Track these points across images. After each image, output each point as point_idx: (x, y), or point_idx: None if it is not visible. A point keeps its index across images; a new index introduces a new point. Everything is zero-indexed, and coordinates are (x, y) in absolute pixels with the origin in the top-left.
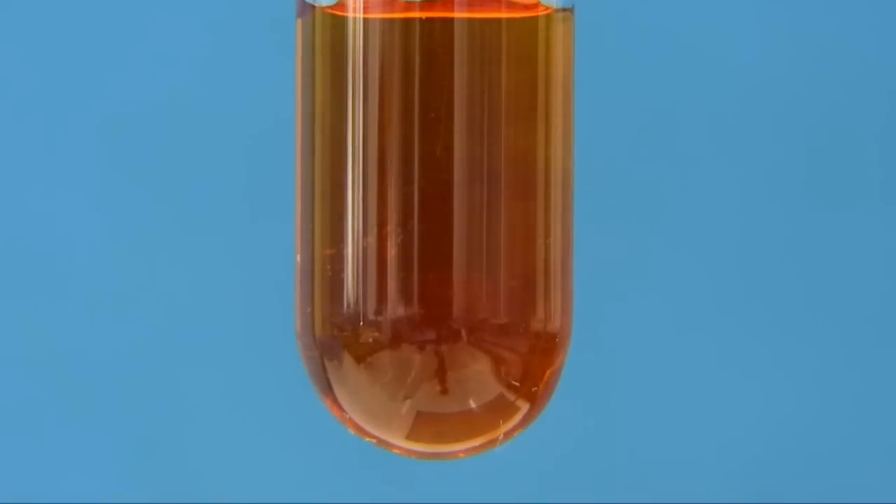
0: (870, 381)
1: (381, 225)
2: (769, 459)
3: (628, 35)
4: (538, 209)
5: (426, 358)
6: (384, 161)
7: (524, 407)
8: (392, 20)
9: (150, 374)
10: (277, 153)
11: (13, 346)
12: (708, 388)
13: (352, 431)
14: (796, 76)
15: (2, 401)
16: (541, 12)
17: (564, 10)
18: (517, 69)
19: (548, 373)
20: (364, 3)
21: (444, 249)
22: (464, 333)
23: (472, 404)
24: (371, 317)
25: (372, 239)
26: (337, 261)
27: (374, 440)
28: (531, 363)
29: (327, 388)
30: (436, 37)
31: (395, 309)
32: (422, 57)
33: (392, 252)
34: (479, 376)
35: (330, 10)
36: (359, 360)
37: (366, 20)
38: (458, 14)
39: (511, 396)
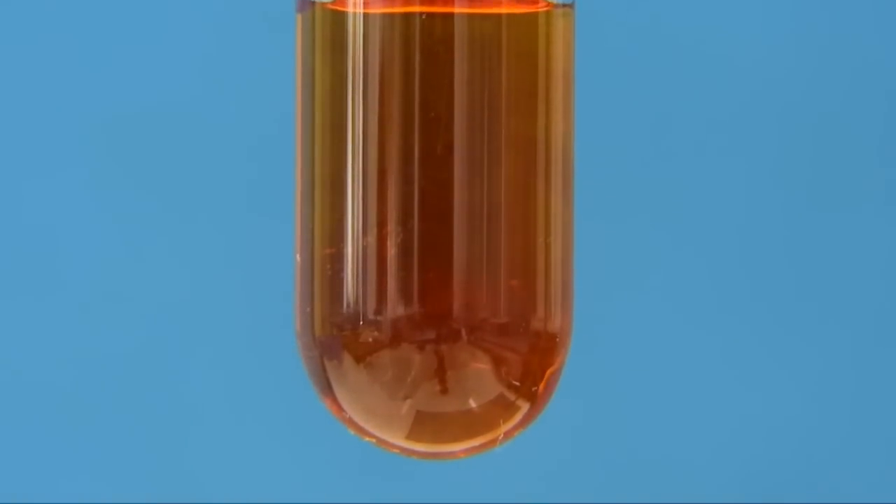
0: (871, 381)
1: (381, 224)
2: (769, 459)
3: (628, 32)
4: (539, 208)
5: (426, 357)
6: (384, 159)
7: (524, 407)
8: (392, 16)
9: (149, 373)
10: (277, 152)
11: (13, 345)
12: (708, 387)
13: (351, 431)
14: (799, 71)
15: (2, 401)
16: (541, 8)
17: (565, 5)
18: (517, 65)
19: (548, 372)
20: None
21: (444, 249)
22: (464, 333)
23: (472, 404)
24: (371, 316)
25: (372, 238)
26: (337, 260)
27: (374, 440)
28: (531, 363)
29: (327, 388)
30: (436, 32)
31: (394, 308)
32: (422, 53)
33: (392, 251)
34: (479, 376)
35: (330, 6)
36: (358, 359)
37: (366, 15)
38: (459, 9)
39: (511, 396)
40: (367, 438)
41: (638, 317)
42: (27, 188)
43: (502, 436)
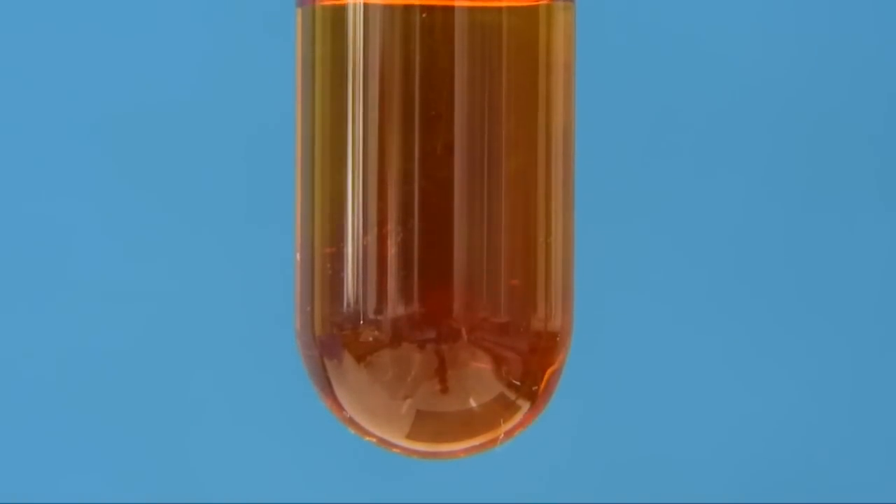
0: (870, 381)
1: (381, 223)
2: (770, 459)
3: (629, 31)
4: (539, 208)
5: (426, 357)
6: (384, 158)
7: (525, 406)
8: (392, 9)
9: (149, 373)
10: (277, 151)
11: (12, 345)
12: (708, 387)
13: (352, 431)
14: (800, 68)
15: (1, 400)
16: (542, 1)
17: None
18: (518, 60)
19: (548, 372)
20: None
21: (445, 248)
22: (464, 332)
23: (473, 403)
24: (371, 316)
25: (372, 237)
26: (337, 259)
27: (375, 439)
28: (532, 362)
29: (327, 388)
30: (436, 25)
31: (395, 308)
32: (422, 49)
33: (392, 251)
34: (479, 375)
35: (330, 1)
36: (359, 359)
37: (366, 8)
38: (459, 3)
39: (511, 395)
40: (368, 438)
41: (638, 316)
42: (27, 188)
43: (503, 435)
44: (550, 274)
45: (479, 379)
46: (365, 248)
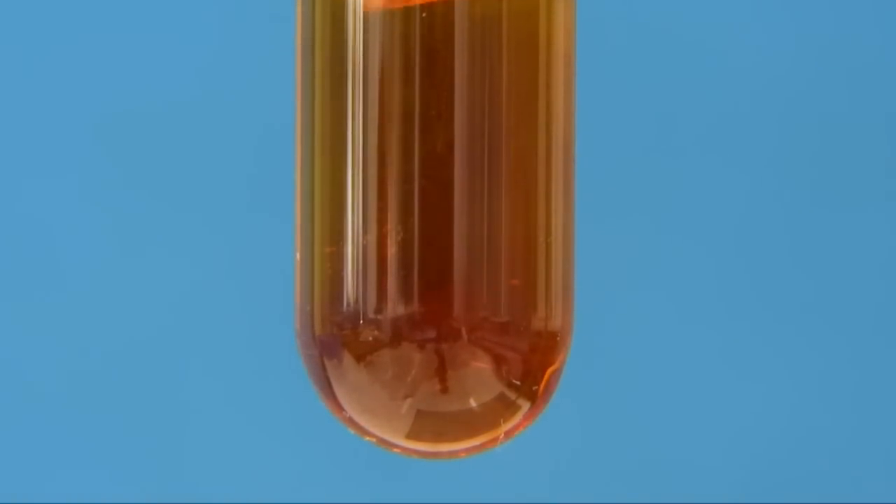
0: (874, 382)
1: (381, 223)
2: (771, 459)
3: (630, 27)
4: (539, 207)
5: (426, 357)
6: (384, 157)
7: (525, 406)
8: (392, 6)
9: (148, 372)
10: (277, 150)
11: (11, 345)
12: (710, 387)
13: (351, 430)
14: (803, 66)
15: (1, 400)
16: None
17: None
18: (518, 57)
19: (549, 372)
20: None
21: (445, 248)
22: (464, 332)
23: (473, 403)
24: (371, 315)
25: (372, 237)
26: (336, 259)
27: (374, 439)
28: (532, 362)
29: (327, 387)
30: (436, 23)
31: (395, 307)
32: (422, 46)
33: (392, 250)
34: (479, 375)
35: None
36: (359, 358)
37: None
38: None
39: (512, 395)
40: (368, 438)
41: (639, 316)
42: (27, 187)
43: (503, 435)
44: (551, 273)
45: (480, 379)
46: (365, 247)
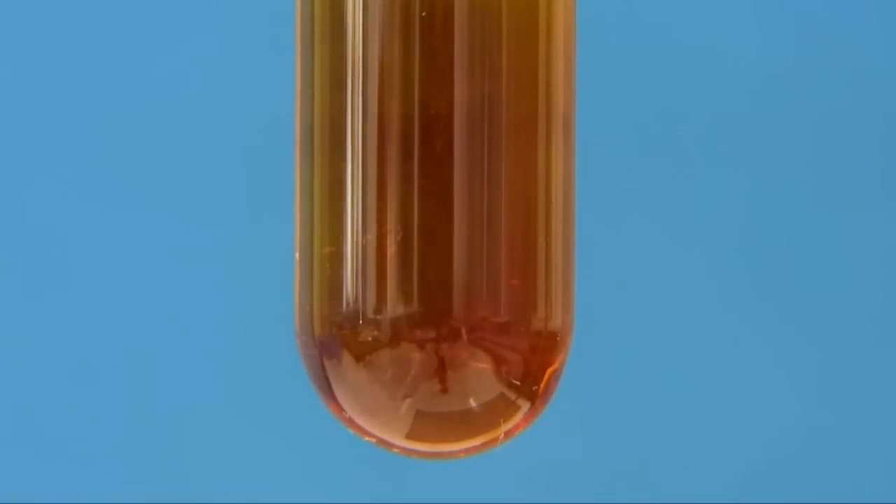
0: (874, 382)
1: (381, 223)
2: (772, 460)
3: (630, 26)
4: (539, 207)
5: (426, 357)
6: (383, 157)
7: (525, 406)
8: (392, 4)
9: (147, 372)
10: (276, 149)
11: (11, 345)
12: (710, 387)
13: (351, 431)
14: (804, 65)
15: (0, 400)
16: None
17: None
18: (518, 54)
19: (548, 372)
20: None
21: (444, 247)
22: (464, 332)
23: (473, 403)
24: (370, 315)
25: (371, 237)
26: (336, 259)
27: (374, 439)
28: (532, 362)
29: (326, 388)
30: (436, 21)
31: (394, 307)
32: (421, 45)
33: (391, 250)
34: (479, 375)
35: None
36: (358, 358)
37: (364, 4)
38: None
39: (512, 395)
40: (367, 438)
41: (639, 316)
42: (25, 186)
43: (503, 435)
44: (551, 273)
45: (479, 379)
46: (364, 247)
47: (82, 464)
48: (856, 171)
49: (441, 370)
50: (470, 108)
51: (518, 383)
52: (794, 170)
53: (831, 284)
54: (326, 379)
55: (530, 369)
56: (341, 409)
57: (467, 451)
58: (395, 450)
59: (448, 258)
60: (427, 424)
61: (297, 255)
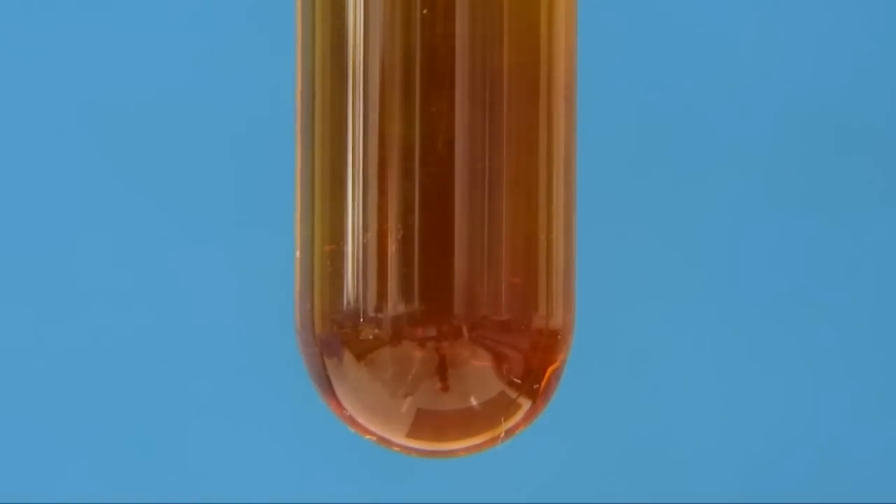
0: (875, 382)
1: (381, 221)
2: (773, 460)
3: (631, 26)
4: (540, 205)
5: (427, 355)
6: (384, 154)
7: (526, 405)
8: (392, 1)
9: (147, 372)
10: (277, 147)
11: (10, 344)
12: (712, 386)
13: (352, 429)
14: (802, 73)
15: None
16: None
17: None
18: (519, 52)
19: (550, 370)
20: None
21: (445, 246)
22: (465, 330)
23: (474, 402)
24: (371, 313)
25: (372, 235)
26: (337, 257)
27: (375, 438)
28: (533, 360)
29: (327, 386)
30: (437, 19)
31: (395, 306)
32: (422, 41)
33: (392, 248)
34: (480, 374)
35: None
36: (359, 357)
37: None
38: None
39: (513, 394)
40: (368, 436)
41: (640, 315)
42: (24, 186)
43: (503, 434)
44: (552, 271)
45: (480, 377)
46: (365, 245)
47: (82, 463)
48: (857, 171)
49: (442, 368)
50: (471, 105)
51: (519, 382)
52: (799, 173)
53: (832, 284)
54: (327, 377)
55: (531, 368)
56: (342, 408)
57: (468, 449)
58: (395, 448)
59: (449, 256)
60: (428, 423)
61: (297, 253)
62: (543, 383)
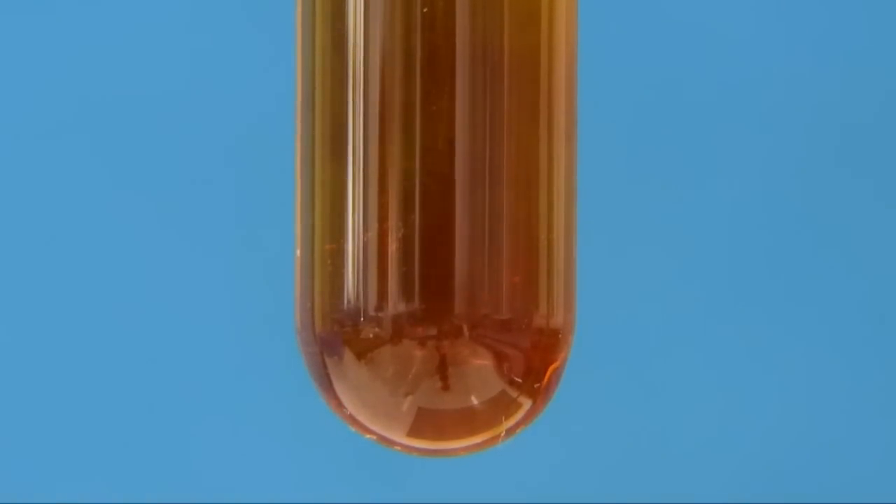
0: (875, 383)
1: (382, 219)
2: (774, 460)
3: (631, 24)
4: (541, 204)
5: (427, 354)
6: (385, 153)
7: (526, 404)
8: (393, 1)
9: (147, 371)
10: (277, 146)
11: (9, 344)
12: (713, 385)
13: (352, 428)
14: (804, 75)
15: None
16: None
17: None
18: (520, 50)
19: (550, 369)
20: None
21: (446, 244)
22: (465, 329)
23: (474, 401)
24: (372, 312)
25: (372, 234)
26: (337, 256)
27: (375, 437)
28: (534, 359)
29: (328, 385)
30: (437, 17)
31: (395, 304)
32: (422, 40)
33: (393, 247)
34: (480, 373)
35: None
36: (359, 355)
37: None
38: None
39: (513, 393)
40: (368, 435)
41: (641, 314)
42: (23, 185)
43: (504, 433)
44: (553, 270)
45: (481, 376)
46: (365, 244)
47: (82, 463)
48: (857, 171)
49: (442, 367)
50: (472, 104)
51: (520, 381)
52: (803, 170)
53: (840, 284)
54: (327, 376)
55: (532, 367)
56: (342, 407)
57: (468, 448)
58: (396, 447)
59: (450, 255)
60: (428, 422)
61: (298, 251)
62: (544, 382)
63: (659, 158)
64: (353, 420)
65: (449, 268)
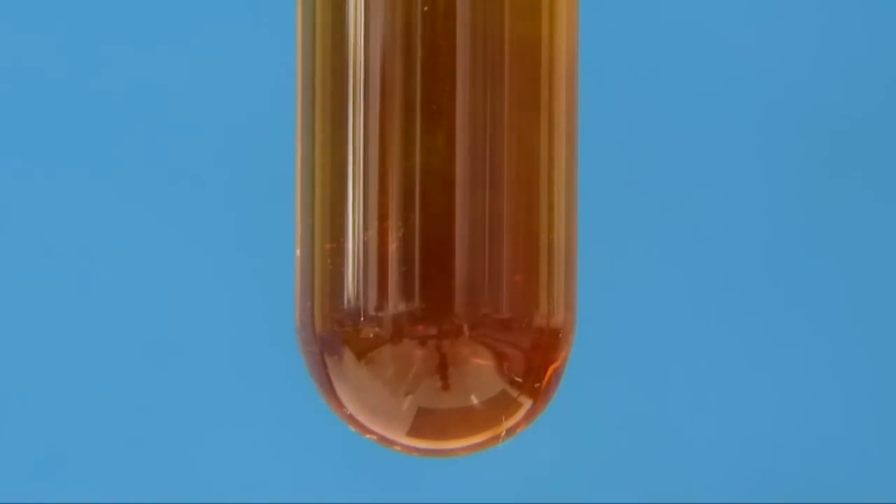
0: (878, 384)
1: (382, 219)
2: (774, 460)
3: (632, 24)
4: (542, 203)
5: (427, 353)
6: (385, 152)
7: (527, 403)
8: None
9: (147, 370)
10: (277, 145)
11: (7, 345)
12: (714, 385)
13: (352, 428)
14: (803, 72)
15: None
16: None
17: None
18: (520, 49)
19: (551, 369)
20: None
21: (446, 244)
22: (465, 329)
23: (474, 400)
24: (372, 312)
25: (372, 233)
26: (337, 255)
27: (375, 437)
28: (534, 359)
29: (327, 384)
30: (438, 16)
31: (395, 304)
32: (423, 39)
33: (393, 246)
34: (481, 372)
35: None
36: (359, 355)
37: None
38: None
39: (514, 393)
40: (368, 435)
41: (641, 313)
42: (21, 185)
43: (504, 433)
44: (553, 270)
45: (481, 376)
46: (365, 243)
47: (81, 463)
48: (857, 172)
49: (442, 367)
50: (472, 103)
51: (520, 380)
52: (799, 168)
53: (843, 282)
54: (327, 376)
55: (532, 366)
56: (342, 406)
57: (468, 448)
58: (396, 447)
59: (450, 254)
60: (428, 421)
61: (297, 251)
62: (544, 382)
63: (659, 158)
64: (352, 420)
65: (449, 267)
